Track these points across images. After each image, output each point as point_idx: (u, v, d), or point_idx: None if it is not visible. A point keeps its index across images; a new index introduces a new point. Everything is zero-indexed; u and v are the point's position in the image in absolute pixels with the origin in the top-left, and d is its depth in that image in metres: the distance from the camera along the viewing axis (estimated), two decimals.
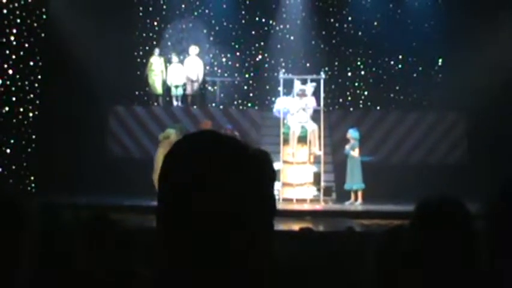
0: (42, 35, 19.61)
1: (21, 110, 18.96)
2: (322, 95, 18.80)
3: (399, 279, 2.87)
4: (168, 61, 21.59)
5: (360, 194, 17.90)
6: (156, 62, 21.35)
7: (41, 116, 19.40)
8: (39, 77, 19.49)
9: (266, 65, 22.93)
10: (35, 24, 19.46)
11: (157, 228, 1.63)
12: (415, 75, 22.02)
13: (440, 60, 22.01)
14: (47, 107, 19.32)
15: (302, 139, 18.40)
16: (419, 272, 2.71)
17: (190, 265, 1.57)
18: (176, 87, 21.27)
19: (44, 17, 19.74)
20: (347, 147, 17.98)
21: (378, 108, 22.16)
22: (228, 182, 1.57)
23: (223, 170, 1.58)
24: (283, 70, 20.09)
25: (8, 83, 18.37)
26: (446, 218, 2.79)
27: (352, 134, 18.03)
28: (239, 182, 1.58)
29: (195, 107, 21.20)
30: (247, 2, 22.97)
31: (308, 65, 21.96)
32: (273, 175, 1.70)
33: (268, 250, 1.63)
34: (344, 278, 5.12)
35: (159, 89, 21.41)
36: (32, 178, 19.13)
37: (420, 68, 22.00)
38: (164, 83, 21.40)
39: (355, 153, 17.92)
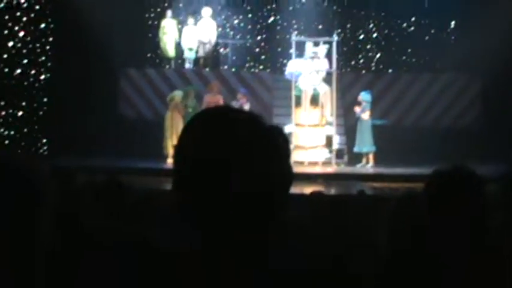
0: None
1: (33, 72, 19.00)
2: (334, 57, 18.70)
3: (412, 244, 2.88)
4: (181, 23, 21.43)
5: (371, 156, 17.93)
6: (168, 24, 21.15)
7: (52, 78, 19.40)
8: (51, 39, 19.46)
9: (278, 27, 22.84)
10: None
11: (173, 199, 1.68)
12: (427, 37, 21.84)
13: (453, 23, 21.86)
14: (59, 69, 19.30)
15: (314, 101, 18.36)
16: (430, 239, 2.73)
17: (207, 239, 1.63)
18: (190, 49, 21.13)
19: None
20: (358, 109, 17.95)
21: (390, 70, 22.07)
22: (244, 159, 1.62)
23: (239, 147, 1.63)
24: (296, 32, 20.06)
25: (20, 45, 18.37)
26: (460, 189, 2.77)
27: (364, 96, 18.00)
28: (256, 159, 1.63)
29: (207, 69, 21.10)
30: None
31: (320, 27, 21.83)
32: (288, 151, 1.73)
33: (284, 221, 1.69)
34: (355, 241, 5.12)
35: (172, 52, 21.26)
36: (44, 141, 19.21)
37: (433, 31, 21.83)
38: (177, 45, 21.25)
39: (366, 116, 17.91)
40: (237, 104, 17.84)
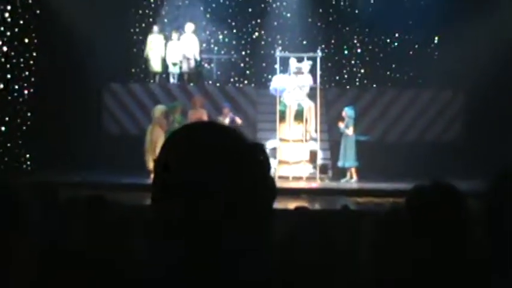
0: (37, 11, 19.40)
1: (16, 87, 18.84)
2: (318, 72, 18.75)
3: (394, 262, 2.87)
4: (166, 38, 21.40)
5: (354, 171, 17.96)
6: (155, 39, 21.15)
7: (36, 93, 19.28)
8: (34, 54, 19.36)
9: (263, 43, 22.85)
10: (30, 1, 19.25)
11: (152, 215, 1.70)
12: (411, 53, 21.91)
13: (436, 38, 21.94)
14: (42, 84, 19.22)
15: (298, 117, 18.38)
16: (412, 257, 2.74)
17: (184, 254, 1.64)
18: (174, 64, 21.14)
19: None
20: (342, 125, 18.00)
21: (374, 86, 22.08)
22: (228, 173, 1.63)
23: (222, 161, 1.64)
24: (280, 48, 20.02)
25: (3, 60, 18.25)
26: (440, 204, 2.79)
27: (348, 112, 18.07)
28: (239, 172, 1.64)
29: (191, 84, 21.11)
30: None
31: (305, 42, 21.90)
32: (268, 166, 1.73)
33: (265, 237, 1.71)
34: (339, 257, 5.10)
35: (157, 67, 21.23)
36: (27, 156, 19.06)
37: (416, 46, 21.89)
38: (164, 60, 21.24)
39: (350, 131, 17.96)
40: (227, 118, 17.90)
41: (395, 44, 22.36)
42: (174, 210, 1.62)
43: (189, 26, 21.00)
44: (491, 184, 2.74)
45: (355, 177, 17.96)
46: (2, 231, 2.24)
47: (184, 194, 1.61)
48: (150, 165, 16.92)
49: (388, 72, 22.39)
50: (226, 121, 17.63)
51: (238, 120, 18.12)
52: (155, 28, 21.30)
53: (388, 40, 22.36)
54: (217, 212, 1.60)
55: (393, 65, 22.32)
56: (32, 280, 2.42)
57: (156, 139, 16.95)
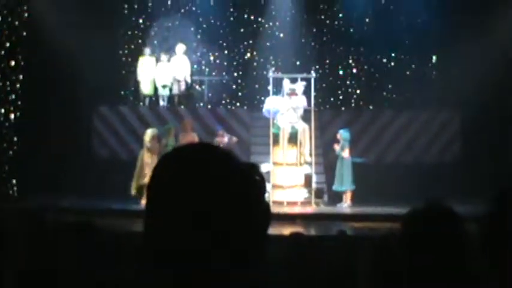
0: (24, 33, 19.33)
1: (3, 111, 18.82)
2: (312, 94, 18.53)
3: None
4: (157, 60, 21.17)
5: (348, 195, 17.68)
6: (147, 62, 20.92)
7: (22, 117, 19.16)
8: (21, 77, 19.22)
9: (255, 64, 22.68)
10: (16, 23, 19.19)
11: (144, 239, 1.64)
12: (408, 73, 21.82)
13: (433, 58, 21.86)
14: (29, 107, 19.11)
15: (292, 140, 18.15)
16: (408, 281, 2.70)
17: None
18: (164, 87, 20.88)
19: (26, 15, 19.46)
20: (337, 147, 17.76)
21: (371, 107, 21.95)
22: (221, 197, 1.58)
23: (215, 184, 1.59)
24: (273, 69, 19.87)
25: None
26: (435, 225, 2.73)
27: (343, 134, 17.91)
28: (233, 196, 1.60)
29: (182, 107, 20.86)
30: None
31: (298, 63, 21.77)
32: (263, 189, 1.68)
33: (260, 261, 1.65)
34: (335, 283, 5.05)
35: (147, 89, 20.99)
36: (14, 182, 18.87)
37: (413, 66, 21.82)
38: (155, 83, 20.97)
39: (346, 153, 17.77)
40: (224, 138, 17.80)
41: (392, 64, 22.23)
42: (165, 235, 1.57)
43: (180, 47, 20.75)
44: (490, 205, 2.66)
45: (348, 201, 17.71)
46: None
47: (176, 218, 1.57)
48: (133, 191, 16.80)
49: (384, 93, 22.25)
50: (225, 140, 17.80)
51: (235, 139, 18.14)
52: (147, 50, 21.12)
53: (384, 60, 22.25)
54: (210, 236, 1.56)
55: (389, 86, 22.16)
56: None
57: (144, 165, 16.85)
